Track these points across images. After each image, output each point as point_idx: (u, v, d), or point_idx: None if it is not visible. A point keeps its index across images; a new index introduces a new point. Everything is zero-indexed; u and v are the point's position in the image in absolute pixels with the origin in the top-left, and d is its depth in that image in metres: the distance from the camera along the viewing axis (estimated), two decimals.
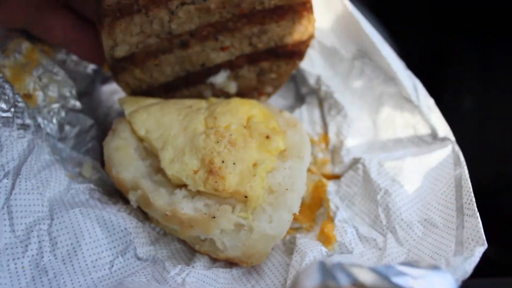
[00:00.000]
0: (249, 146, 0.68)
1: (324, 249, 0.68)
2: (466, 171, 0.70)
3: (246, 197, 0.65)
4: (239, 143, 0.68)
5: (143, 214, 0.74)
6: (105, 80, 0.96)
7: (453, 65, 1.09)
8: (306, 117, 0.89)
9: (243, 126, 0.71)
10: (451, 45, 1.12)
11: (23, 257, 0.61)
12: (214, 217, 0.64)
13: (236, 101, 0.75)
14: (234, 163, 0.66)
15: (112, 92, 0.94)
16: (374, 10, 0.88)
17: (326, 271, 0.46)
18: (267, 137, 0.70)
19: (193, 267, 0.69)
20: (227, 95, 0.83)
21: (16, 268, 0.60)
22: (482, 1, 1.06)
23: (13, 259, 0.60)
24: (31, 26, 0.79)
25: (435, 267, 0.49)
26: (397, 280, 0.46)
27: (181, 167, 0.68)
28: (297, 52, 0.78)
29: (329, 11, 0.88)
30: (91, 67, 0.91)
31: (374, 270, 0.47)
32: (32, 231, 0.64)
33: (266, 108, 0.76)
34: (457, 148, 0.74)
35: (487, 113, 1.00)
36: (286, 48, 0.77)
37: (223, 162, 0.66)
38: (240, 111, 0.73)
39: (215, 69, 0.79)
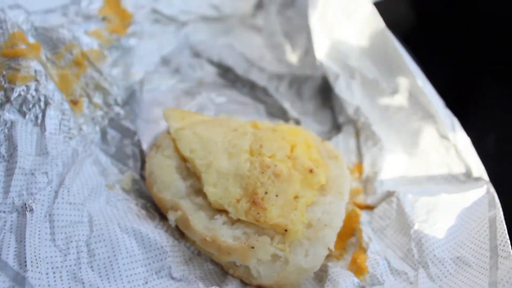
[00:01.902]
0: (293, 179, 0.69)
1: (356, 279, 0.68)
2: (501, 213, 0.70)
3: (286, 230, 0.65)
4: (283, 175, 0.69)
5: (179, 232, 0.74)
6: (148, 91, 0.96)
7: (477, 103, 1.09)
8: (342, 145, 0.90)
9: (287, 156, 0.72)
10: (477, 83, 1.11)
11: (62, 266, 0.62)
12: (253, 247, 0.65)
13: (281, 128, 0.76)
14: (276, 195, 0.67)
15: (154, 102, 0.95)
16: (405, 42, 0.90)
17: None
18: (311, 171, 0.70)
19: None
20: None
21: (54, 277, 0.61)
22: None
23: (52, 268, 0.61)
24: None
25: None
26: None
27: (224, 193, 0.69)
28: None
29: (372, 45, 0.90)
30: (136, 77, 0.93)
31: None
32: (72, 241, 0.65)
33: (309, 136, 0.77)
34: (492, 189, 0.74)
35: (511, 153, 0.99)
36: None
37: (266, 193, 0.67)
38: (285, 140, 0.74)
39: None
